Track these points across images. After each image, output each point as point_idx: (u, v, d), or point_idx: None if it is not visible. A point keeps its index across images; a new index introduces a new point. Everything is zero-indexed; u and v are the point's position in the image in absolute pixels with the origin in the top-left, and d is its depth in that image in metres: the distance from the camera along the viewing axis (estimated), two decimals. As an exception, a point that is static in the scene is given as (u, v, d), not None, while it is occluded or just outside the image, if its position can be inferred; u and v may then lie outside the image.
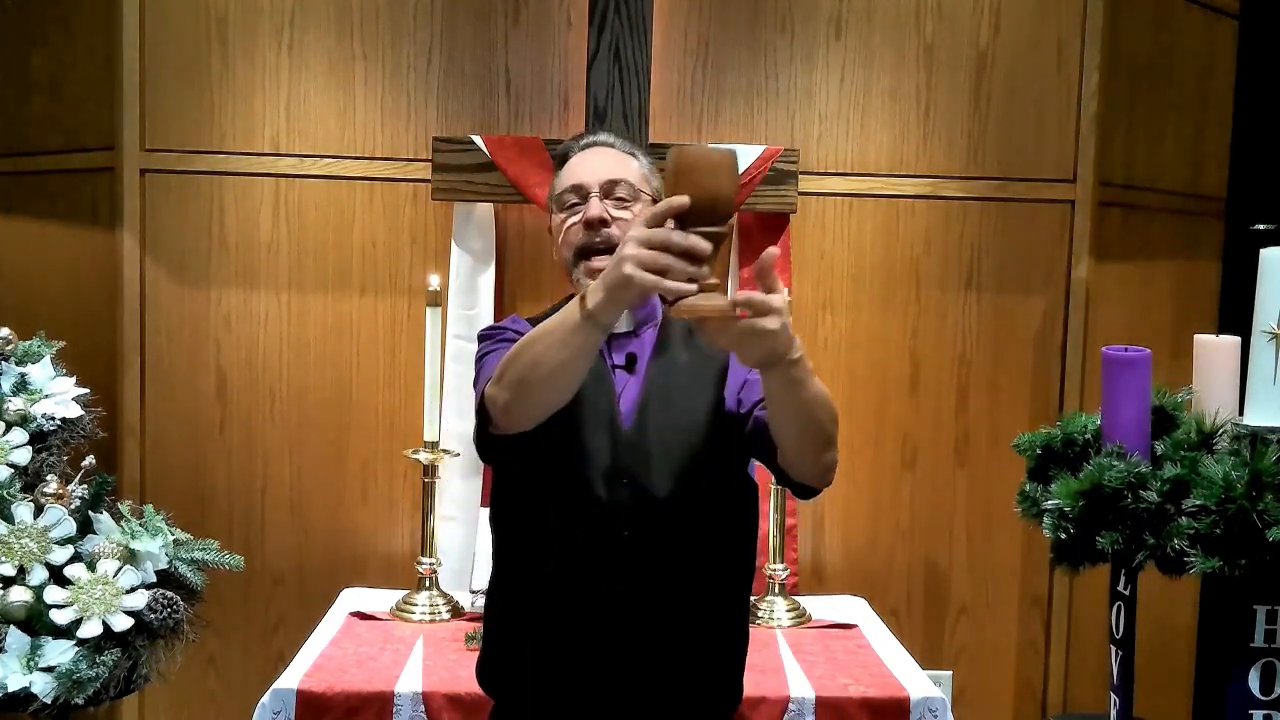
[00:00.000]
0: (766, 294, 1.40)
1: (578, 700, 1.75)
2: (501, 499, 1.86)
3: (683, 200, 1.37)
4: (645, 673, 1.73)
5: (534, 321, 1.85)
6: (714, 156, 1.40)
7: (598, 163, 1.83)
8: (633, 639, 1.72)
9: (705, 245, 1.38)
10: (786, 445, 1.61)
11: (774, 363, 1.46)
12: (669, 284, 1.37)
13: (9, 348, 2.04)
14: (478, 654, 1.94)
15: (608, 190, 1.80)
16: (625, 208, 1.79)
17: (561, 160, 1.89)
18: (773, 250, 1.42)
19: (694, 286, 1.38)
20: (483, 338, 1.83)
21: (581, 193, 1.81)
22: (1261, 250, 1.70)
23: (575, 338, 1.48)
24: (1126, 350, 1.75)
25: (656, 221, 1.39)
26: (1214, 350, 1.84)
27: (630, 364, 1.80)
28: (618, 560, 1.72)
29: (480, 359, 1.77)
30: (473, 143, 2.83)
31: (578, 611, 1.73)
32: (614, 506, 1.72)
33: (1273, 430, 1.65)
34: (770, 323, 1.39)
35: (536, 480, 1.75)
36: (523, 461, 1.72)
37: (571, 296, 1.89)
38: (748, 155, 2.84)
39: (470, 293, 2.89)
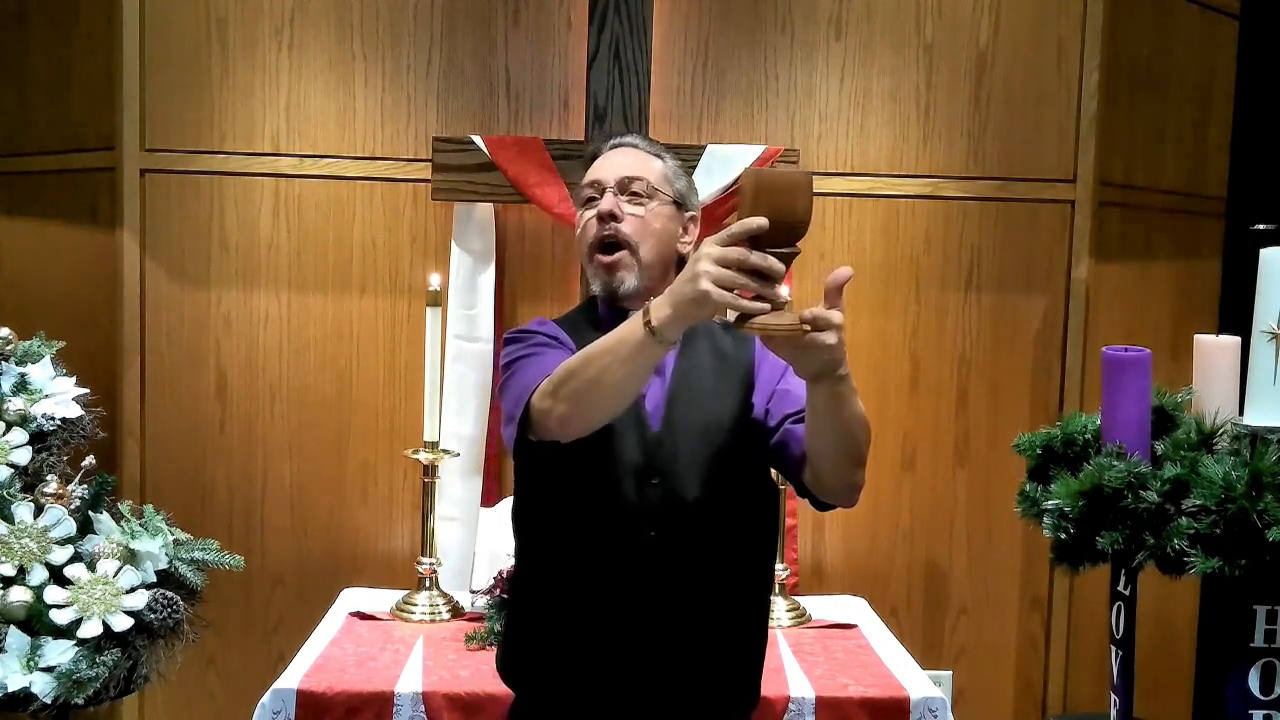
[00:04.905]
0: (828, 310, 1.43)
1: (601, 696, 1.77)
2: (527, 498, 1.87)
3: (762, 222, 1.38)
4: (667, 672, 1.75)
5: (561, 324, 1.87)
6: (792, 179, 1.41)
7: (618, 161, 1.86)
8: (656, 638, 1.74)
9: (781, 267, 1.40)
10: (821, 461, 1.64)
11: (826, 376, 1.50)
12: (745, 303, 1.39)
13: (9, 348, 2.04)
14: (496, 647, 1.95)
15: (623, 186, 1.82)
16: (639, 204, 1.81)
17: (590, 160, 1.92)
18: (846, 270, 1.45)
19: (767, 305, 1.40)
20: (511, 340, 1.83)
21: (598, 188, 1.84)
22: (1261, 250, 1.69)
23: (638, 355, 1.50)
24: (1126, 350, 1.75)
25: (732, 241, 1.40)
26: (1214, 350, 1.84)
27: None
28: (642, 560, 1.74)
29: (511, 363, 1.77)
30: (473, 143, 2.83)
31: (602, 610, 1.75)
32: (643, 506, 1.74)
33: (1273, 430, 1.65)
34: (829, 337, 1.44)
35: (566, 480, 1.76)
36: (557, 462, 1.73)
37: (592, 300, 1.91)
38: (748, 155, 2.84)
39: (470, 293, 2.89)
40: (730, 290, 1.39)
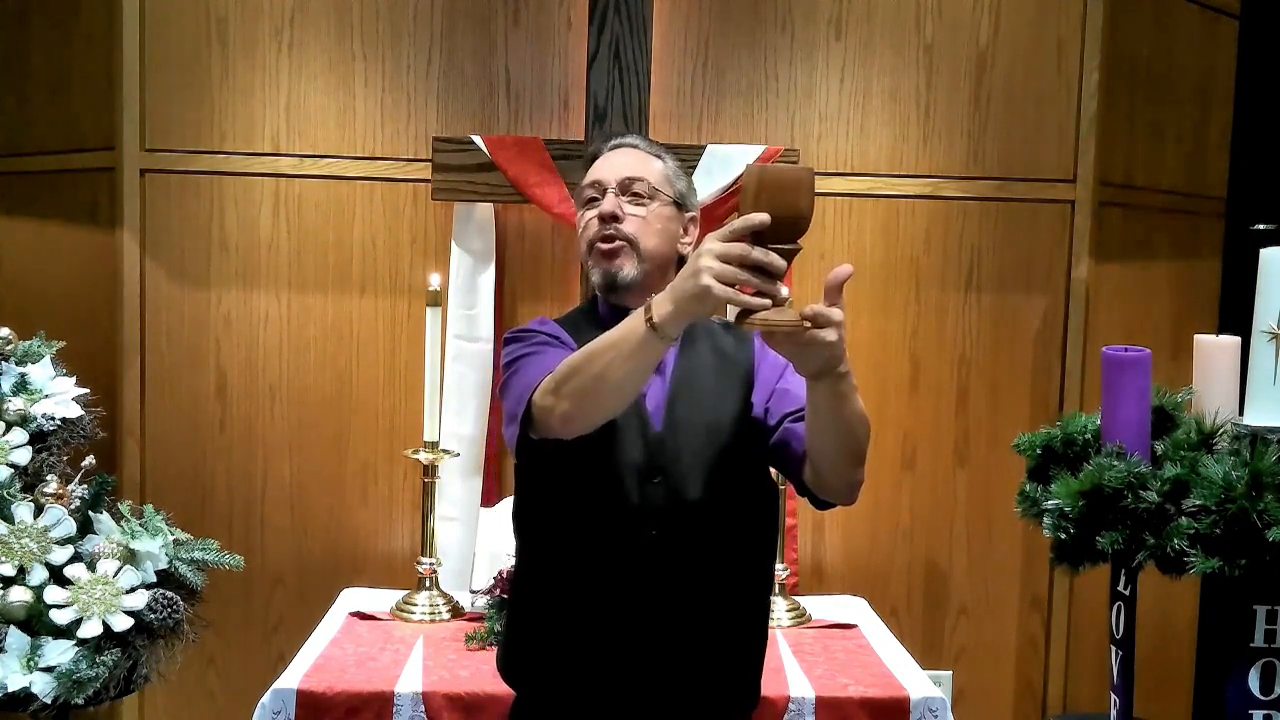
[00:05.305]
0: (829, 308, 1.43)
1: (601, 696, 1.77)
2: (528, 498, 1.87)
3: (764, 218, 1.38)
4: (667, 671, 1.75)
5: (562, 323, 1.87)
6: (795, 175, 1.41)
7: (619, 161, 1.87)
8: (657, 637, 1.75)
9: (782, 263, 1.39)
10: (822, 459, 1.64)
11: (827, 373, 1.50)
12: (746, 299, 1.39)
13: (9, 348, 2.04)
14: (497, 646, 1.95)
15: (625, 187, 1.83)
16: (641, 204, 1.82)
17: (590, 160, 1.93)
18: (846, 267, 1.45)
19: (768, 301, 1.39)
20: (512, 340, 1.84)
21: (599, 188, 1.84)
22: (1261, 250, 1.70)
23: (640, 351, 1.50)
24: (1126, 350, 1.75)
25: (734, 236, 1.40)
26: (1214, 350, 1.84)
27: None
28: (644, 559, 1.74)
29: (513, 362, 1.78)
30: (473, 143, 2.83)
31: (602, 609, 1.75)
32: (645, 506, 1.74)
33: (1273, 430, 1.65)
34: (830, 334, 1.43)
35: (568, 479, 1.76)
36: (558, 461, 1.73)
37: (593, 300, 1.91)
38: (748, 155, 2.84)
39: (470, 293, 2.89)
40: (732, 286, 1.39)
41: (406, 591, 2.78)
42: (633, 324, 1.50)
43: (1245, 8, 3.31)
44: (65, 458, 1.99)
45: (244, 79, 2.92)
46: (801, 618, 2.78)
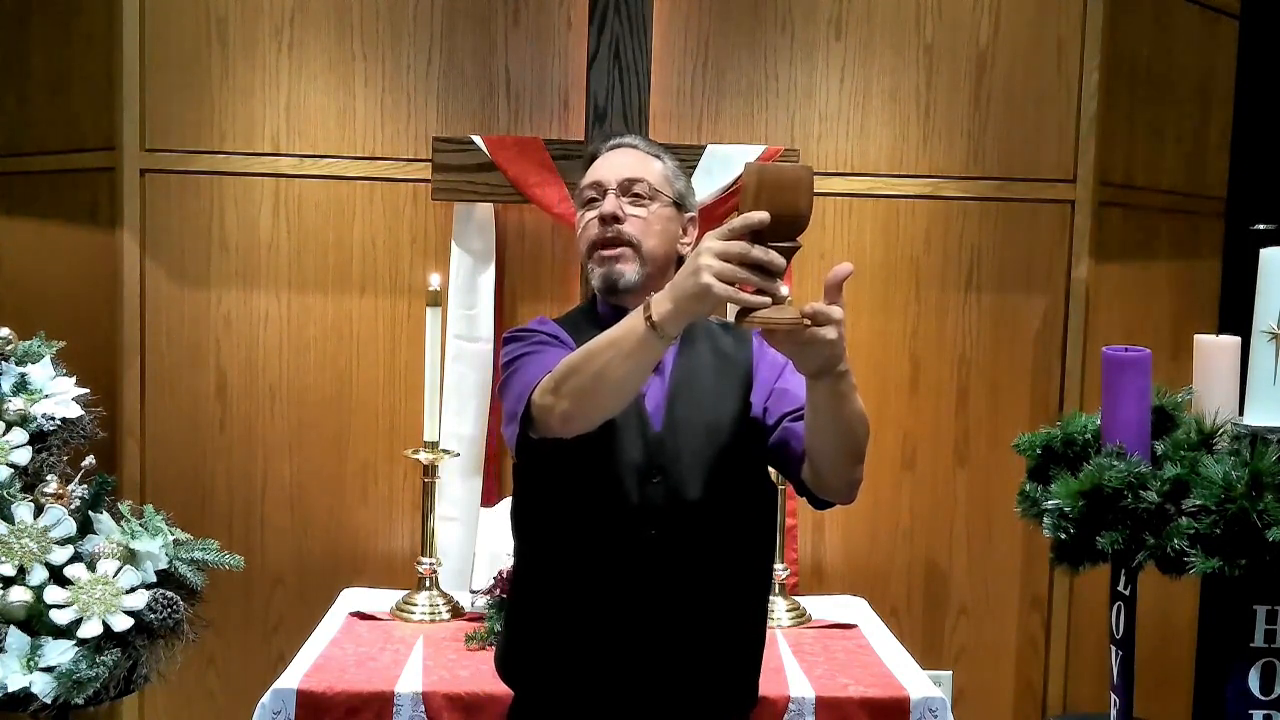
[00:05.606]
0: (829, 306, 1.43)
1: (600, 695, 1.77)
2: (527, 497, 1.87)
3: (764, 216, 1.38)
4: (665, 671, 1.75)
5: (561, 323, 1.87)
6: (794, 174, 1.41)
7: (619, 161, 1.87)
8: (655, 637, 1.75)
9: (782, 261, 1.40)
10: (821, 458, 1.64)
11: (827, 372, 1.50)
12: (746, 297, 1.39)
13: (9, 348, 2.04)
14: (495, 646, 1.96)
15: (625, 188, 1.83)
16: (641, 205, 1.82)
17: (590, 160, 1.93)
18: (846, 265, 1.44)
19: (768, 299, 1.40)
20: (511, 339, 1.84)
21: (600, 189, 1.84)
22: (1261, 250, 1.70)
23: (640, 350, 1.50)
24: (1126, 350, 1.75)
25: (734, 235, 1.40)
26: (1214, 350, 1.84)
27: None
28: (643, 559, 1.74)
29: (512, 361, 1.78)
30: (473, 143, 2.83)
31: (601, 609, 1.76)
32: (645, 505, 1.74)
33: (1273, 430, 1.65)
34: (830, 332, 1.43)
35: (567, 479, 1.76)
36: (557, 461, 1.73)
37: (593, 299, 1.91)
38: (748, 155, 2.84)
39: (470, 293, 2.89)
40: (732, 284, 1.39)
41: (406, 591, 2.78)
42: (632, 323, 1.50)
43: (1245, 8, 3.31)
44: (65, 458, 1.99)
45: (244, 79, 2.92)
46: (801, 618, 2.78)
